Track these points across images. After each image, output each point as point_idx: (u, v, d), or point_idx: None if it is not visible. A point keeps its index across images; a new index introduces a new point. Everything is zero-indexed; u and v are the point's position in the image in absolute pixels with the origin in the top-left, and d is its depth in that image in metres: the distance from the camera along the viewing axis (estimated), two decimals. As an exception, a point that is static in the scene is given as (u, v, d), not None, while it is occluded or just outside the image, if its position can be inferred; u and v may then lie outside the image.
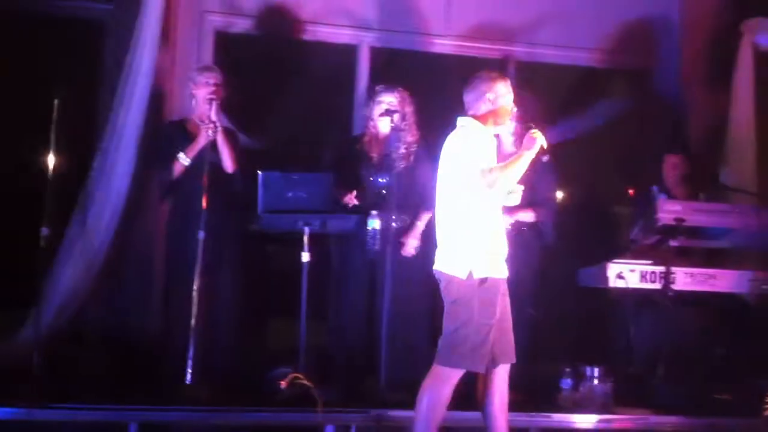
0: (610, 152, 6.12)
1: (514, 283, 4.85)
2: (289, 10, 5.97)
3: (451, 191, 3.92)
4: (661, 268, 4.92)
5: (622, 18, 6.35)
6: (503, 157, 4.25)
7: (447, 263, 3.90)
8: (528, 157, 3.86)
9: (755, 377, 4.92)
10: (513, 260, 4.87)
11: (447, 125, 4.01)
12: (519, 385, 4.82)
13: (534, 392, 4.75)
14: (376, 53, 6.23)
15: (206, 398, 4.43)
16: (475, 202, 3.86)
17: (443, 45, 6.27)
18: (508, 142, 4.92)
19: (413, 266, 4.81)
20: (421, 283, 4.72)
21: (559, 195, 5.41)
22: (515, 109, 4.07)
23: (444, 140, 4.01)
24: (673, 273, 4.92)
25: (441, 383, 3.84)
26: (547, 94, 6.39)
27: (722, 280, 5.10)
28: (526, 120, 4.05)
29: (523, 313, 4.98)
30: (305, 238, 4.65)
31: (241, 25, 5.98)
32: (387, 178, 4.83)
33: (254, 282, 5.18)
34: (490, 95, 3.94)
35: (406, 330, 4.80)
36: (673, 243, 4.97)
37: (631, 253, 5.23)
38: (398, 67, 6.21)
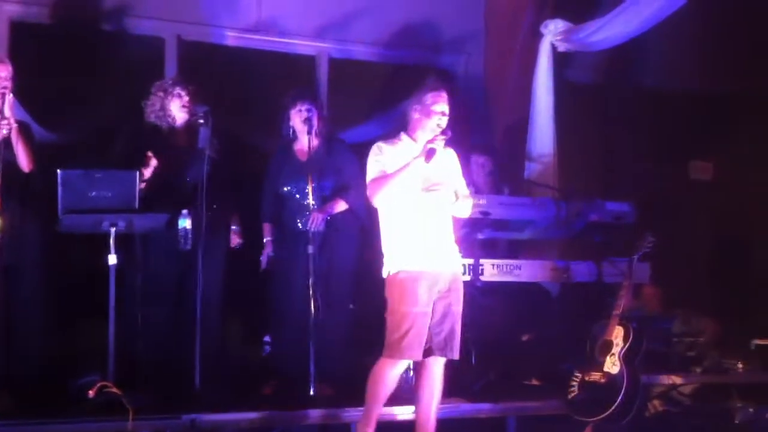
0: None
1: (336, 277, 4.91)
2: (90, -1, 5.72)
3: None
4: (469, 261, 5.07)
5: (431, 17, 6.49)
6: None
7: (383, 266, 4.12)
8: (417, 164, 3.98)
9: (559, 362, 5.16)
10: (333, 255, 4.92)
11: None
12: (337, 378, 4.87)
13: (352, 386, 4.76)
14: (186, 47, 6.06)
15: (4, 409, 4.18)
16: (389, 206, 4.07)
17: (255, 40, 6.20)
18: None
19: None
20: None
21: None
22: (444, 117, 4.10)
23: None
24: (481, 265, 5.09)
25: (380, 372, 4.12)
26: (361, 92, 6.47)
27: (526, 270, 5.32)
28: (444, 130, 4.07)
29: (344, 306, 5.04)
30: (111, 240, 4.46)
31: (38, 14, 5.67)
32: (197, 173, 4.72)
33: (60, 285, 4.92)
34: (417, 105, 4.11)
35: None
36: (480, 236, 5.13)
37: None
38: (210, 61, 6.09)
